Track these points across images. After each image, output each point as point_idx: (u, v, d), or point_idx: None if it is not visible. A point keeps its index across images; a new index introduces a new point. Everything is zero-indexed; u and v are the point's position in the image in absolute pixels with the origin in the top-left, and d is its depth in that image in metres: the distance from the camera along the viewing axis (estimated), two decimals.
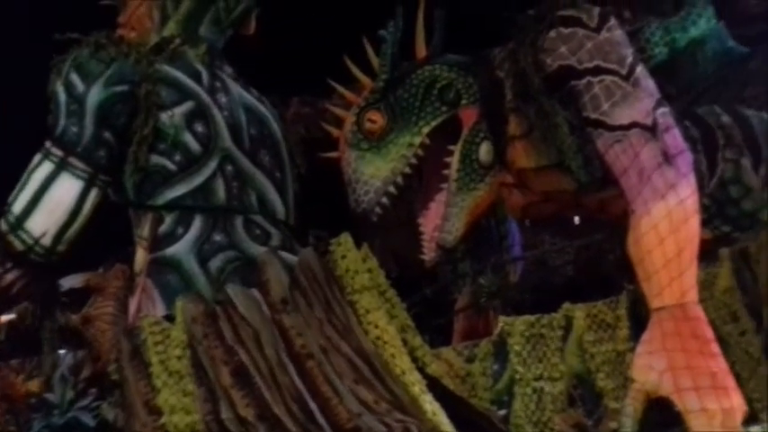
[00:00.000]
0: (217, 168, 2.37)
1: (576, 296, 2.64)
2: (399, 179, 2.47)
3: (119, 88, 2.39)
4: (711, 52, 3.40)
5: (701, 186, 2.38)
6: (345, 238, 2.27)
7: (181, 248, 2.31)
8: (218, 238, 2.32)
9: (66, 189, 2.34)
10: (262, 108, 2.58)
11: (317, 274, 2.19)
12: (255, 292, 2.16)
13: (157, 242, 2.35)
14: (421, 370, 2.21)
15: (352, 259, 2.24)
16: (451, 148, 2.51)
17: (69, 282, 2.77)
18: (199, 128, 2.39)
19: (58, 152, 2.35)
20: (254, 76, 2.72)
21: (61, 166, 2.34)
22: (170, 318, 2.16)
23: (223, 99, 2.46)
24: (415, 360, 2.22)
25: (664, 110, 2.34)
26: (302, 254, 2.26)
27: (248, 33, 2.72)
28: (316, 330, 2.09)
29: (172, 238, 2.34)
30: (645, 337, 2.21)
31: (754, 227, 2.59)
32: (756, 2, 4.07)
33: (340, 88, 2.61)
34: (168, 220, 2.36)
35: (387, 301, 2.27)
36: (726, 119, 2.69)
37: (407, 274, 2.76)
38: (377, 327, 2.16)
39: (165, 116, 2.39)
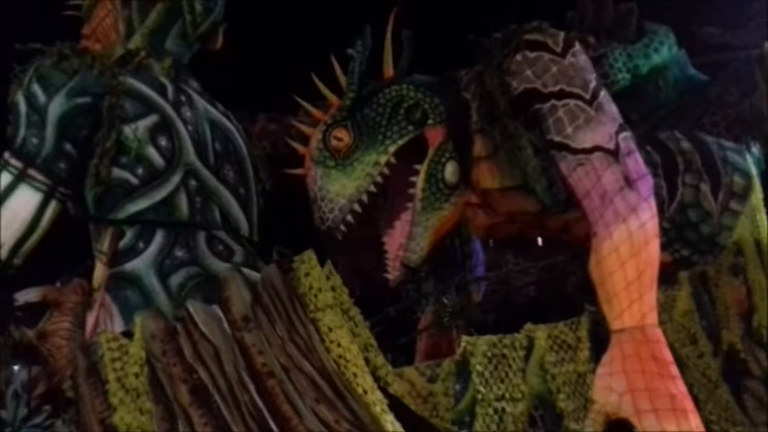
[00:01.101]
0: (180, 183, 2.35)
1: (539, 317, 2.65)
2: (364, 197, 2.47)
3: (81, 100, 2.35)
4: (673, 79, 3.48)
5: (662, 210, 2.43)
6: (309, 256, 2.26)
7: (141, 263, 2.28)
8: (179, 253, 2.29)
9: (25, 201, 2.30)
10: (227, 123, 2.57)
11: (280, 292, 2.16)
12: (217, 309, 2.14)
13: (117, 257, 2.31)
14: (383, 389, 2.20)
15: (316, 277, 2.22)
16: (417, 167, 2.51)
17: (25, 296, 2.70)
18: (163, 142, 2.37)
19: (17, 164, 2.31)
20: (221, 91, 2.71)
21: (20, 178, 2.30)
22: (128, 334, 2.12)
23: (188, 113, 2.44)
24: (377, 379, 2.20)
25: (626, 134, 2.37)
26: (265, 271, 2.24)
27: (215, 48, 2.71)
28: (277, 348, 2.07)
29: (132, 252, 2.30)
30: (605, 358, 2.23)
31: (712, 251, 2.63)
32: (715, 32, 4.19)
33: (307, 105, 2.60)
34: (129, 234, 2.33)
35: (350, 320, 2.25)
36: (686, 144, 2.74)
37: (371, 293, 2.75)
38: (339, 345, 2.14)
39: (128, 129, 2.36)
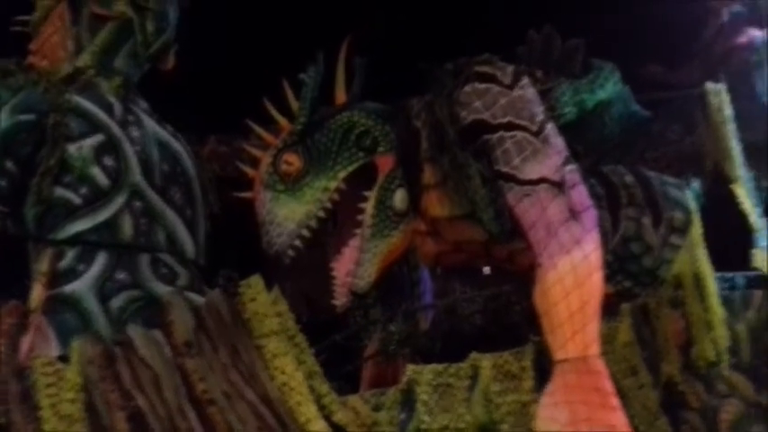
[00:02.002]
0: (125, 204, 2.31)
1: (485, 345, 2.67)
2: (313, 222, 2.46)
3: (25, 117, 2.30)
4: (617, 114, 3.58)
5: (605, 242, 2.47)
6: (256, 281, 2.23)
7: (81, 286, 2.22)
8: (121, 276, 2.24)
9: None
10: (176, 144, 2.54)
11: (224, 317, 2.14)
12: (158, 334, 2.09)
13: (56, 278, 2.25)
14: (327, 418, 2.18)
15: (262, 302, 2.20)
16: (367, 194, 2.52)
17: None
18: (108, 161, 2.32)
19: None
20: (171, 113, 2.68)
21: None
22: (64, 359, 2.06)
23: (135, 133, 2.41)
24: (321, 407, 2.18)
25: (571, 167, 2.42)
26: (209, 295, 2.21)
27: (166, 69, 2.68)
28: (220, 375, 2.03)
29: (72, 274, 2.25)
30: (548, 388, 2.25)
31: (653, 283, 2.69)
32: (658, 70, 4.34)
33: (258, 129, 2.59)
34: (69, 255, 2.27)
35: (295, 347, 2.23)
36: (629, 178, 2.81)
37: (318, 319, 2.73)
38: (284, 373, 2.12)
39: (72, 148, 2.31)
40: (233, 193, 2.58)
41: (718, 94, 2.96)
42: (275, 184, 2.48)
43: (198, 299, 2.23)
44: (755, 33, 4.21)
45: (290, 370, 2.12)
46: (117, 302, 2.21)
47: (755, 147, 3.74)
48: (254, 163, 2.55)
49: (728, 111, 2.96)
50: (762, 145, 3.90)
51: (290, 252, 2.44)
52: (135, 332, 2.09)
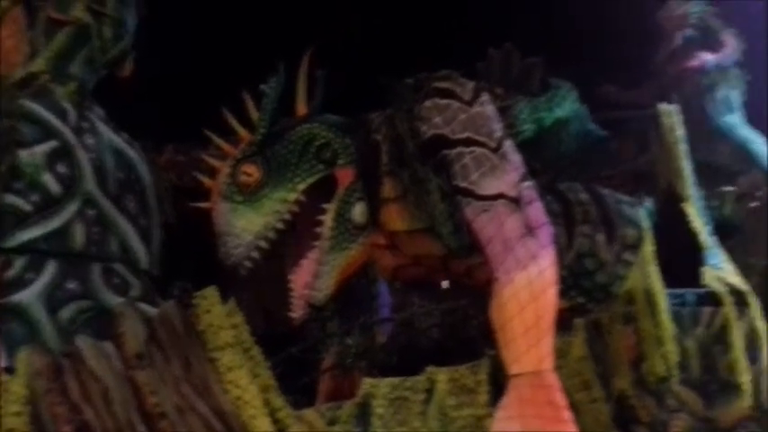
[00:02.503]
0: (77, 212, 2.26)
1: (442, 359, 2.67)
2: (271, 234, 2.45)
3: None
4: (574, 132, 3.64)
5: (560, 258, 2.50)
6: (211, 292, 2.21)
7: (29, 295, 2.17)
8: (71, 285, 2.19)
9: None
10: (131, 152, 2.50)
11: (178, 329, 2.10)
12: (108, 346, 2.05)
13: (3, 288, 2.19)
14: None
15: (217, 314, 2.17)
16: (326, 206, 2.51)
17: None
18: (61, 168, 2.28)
19: None
20: (128, 120, 2.64)
21: None
22: (10, 370, 2.00)
23: (90, 140, 2.37)
24: (276, 421, 2.16)
25: (528, 183, 2.46)
26: (163, 307, 2.18)
27: (124, 76, 2.65)
28: (171, 388, 2.00)
29: (20, 283, 2.19)
30: (503, 402, 2.26)
31: (606, 299, 2.73)
32: (614, 91, 4.45)
33: (216, 139, 2.57)
34: (18, 264, 2.21)
35: (250, 359, 2.21)
36: (584, 196, 2.86)
37: (275, 332, 2.70)
38: (238, 386, 2.09)
39: (24, 154, 2.26)
40: (190, 203, 2.55)
41: (671, 115, 3.03)
42: (233, 194, 2.46)
43: (151, 310, 2.19)
44: (707, 57, 4.34)
45: (245, 383, 2.09)
46: (66, 313, 2.16)
47: (706, 167, 3.85)
48: (212, 173, 2.52)
49: (681, 131, 3.03)
50: (713, 165, 4.02)
51: (248, 263, 2.41)
52: (84, 343, 2.05)
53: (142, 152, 2.56)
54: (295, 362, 3.04)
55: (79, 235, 2.26)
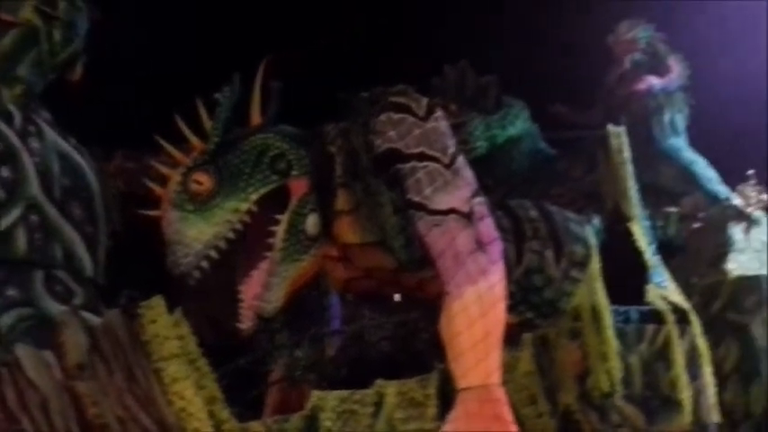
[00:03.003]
0: (20, 217, 2.21)
1: (391, 372, 2.67)
2: (222, 244, 2.42)
3: None
4: (525, 150, 3.71)
5: (509, 274, 2.54)
6: (157, 302, 2.17)
7: None
8: (11, 292, 2.13)
9: None
10: (78, 158, 2.45)
11: (121, 339, 2.06)
12: (48, 355, 1.99)
13: None
14: None
15: (163, 324, 2.14)
16: (278, 217, 2.50)
17: None
18: (4, 172, 2.22)
19: None
20: (77, 125, 2.59)
21: None
22: None
23: (35, 144, 2.31)
24: None
25: (480, 199, 2.49)
26: (107, 316, 2.13)
27: (73, 80, 2.60)
28: (113, 399, 1.95)
29: None
30: (450, 416, 2.27)
31: (553, 315, 2.78)
32: (565, 111, 4.54)
33: (168, 146, 2.54)
34: None
35: (196, 371, 2.17)
36: (534, 213, 2.91)
37: (222, 342, 2.67)
38: (182, 398, 2.05)
39: None
40: (138, 211, 2.50)
41: (619, 137, 3.10)
42: (184, 203, 2.42)
43: (94, 319, 2.14)
44: (653, 81, 4.47)
45: (190, 395, 2.06)
46: (6, 320, 2.10)
47: (652, 188, 3.95)
48: (163, 181, 2.48)
49: (627, 153, 3.10)
50: (658, 186, 4.13)
51: (196, 273, 2.38)
52: (23, 352, 1.99)
53: (90, 158, 2.51)
54: (242, 374, 3.00)
55: (21, 241, 2.20)
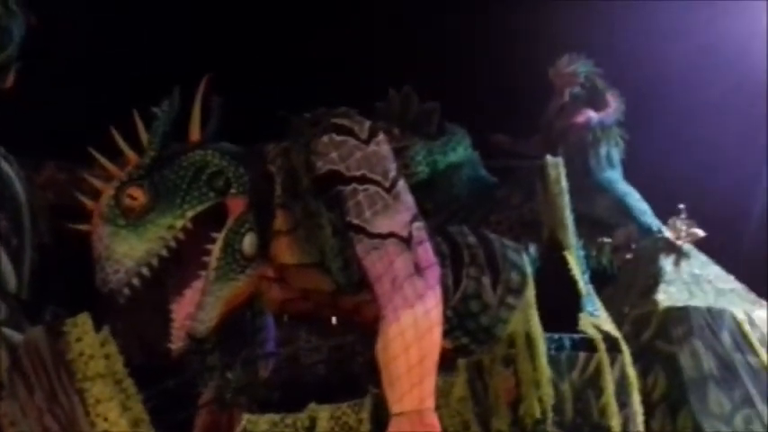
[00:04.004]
0: None
1: (325, 396, 2.64)
2: (155, 261, 2.36)
3: None
4: (466, 177, 3.75)
5: (446, 299, 2.55)
6: (83, 319, 2.10)
7: None
8: None
9: None
10: (6, 167, 2.36)
11: (44, 357, 1.98)
12: None
13: None
14: None
15: (89, 343, 2.07)
16: (215, 235, 2.45)
17: None
18: None
19: None
20: (7, 134, 2.50)
21: None
22: None
23: None
24: None
25: (419, 224, 2.50)
26: (30, 333, 2.05)
27: (6, 87, 2.51)
28: (33, 420, 1.87)
29: None
30: None
31: (488, 341, 2.79)
32: (505, 140, 4.63)
33: (102, 159, 2.47)
34: None
35: (122, 392, 2.11)
36: (472, 239, 2.93)
37: (151, 363, 2.60)
38: (106, 419, 1.99)
39: None
40: (68, 225, 2.42)
41: (556, 167, 3.16)
42: (116, 218, 2.36)
43: (16, 336, 2.06)
44: (591, 114, 4.59)
45: (114, 416, 1.99)
46: None
47: (587, 218, 4.04)
48: (95, 194, 2.41)
49: (564, 183, 3.16)
50: (592, 217, 4.22)
51: (126, 291, 2.31)
52: None
53: (19, 167, 2.42)
54: (171, 395, 2.92)
55: None
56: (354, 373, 2.94)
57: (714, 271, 3.83)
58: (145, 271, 2.34)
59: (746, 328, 3.46)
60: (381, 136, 2.56)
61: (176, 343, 2.40)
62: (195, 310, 2.40)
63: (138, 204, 2.37)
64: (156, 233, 2.36)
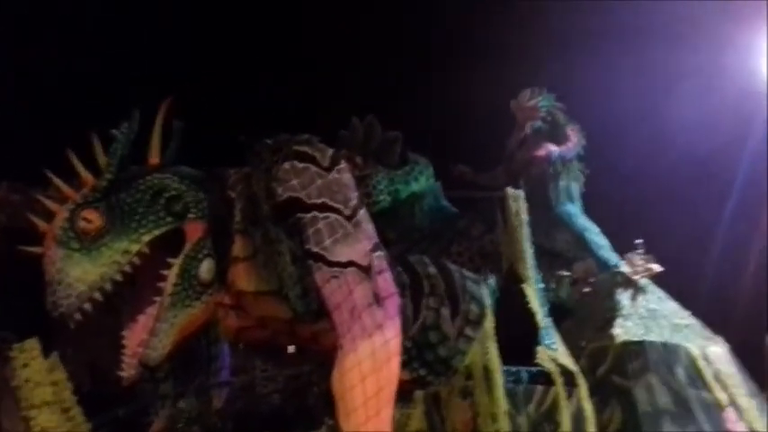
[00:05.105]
0: None
1: (281, 427, 2.59)
2: (108, 286, 2.31)
3: None
4: (427, 207, 3.76)
5: (405, 329, 2.53)
6: (32, 344, 2.04)
7: None
8: None
9: None
10: None
11: None
12: None
13: None
14: None
15: (36, 369, 2.01)
16: (171, 260, 2.41)
17: None
18: None
19: None
20: None
21: None
22: None
23: None
24: None
25: (379, 253, 2.49)
26: None
27: None
28: None
29: None
30: None
31: (446, 373, 2.78)
32: (467, 171, 4.66)
33: (57, 180, 2.42)
34: None
35: (69, 420, 2.05)
36: (432, 270, 2.93)
37: (102, 391, 2.53)
38: None
39: None
40: (18, 247, 2.36)
41: (517, 199, 3.19)
42: (70, 241, 2.31)
43: None
44: (552, 148, 4.65)
45: None
46: None
47: (546, 251, 4.07)
48: (49, 216, 2.36)
49: (525, 215, 3.19)
50: (552, 250, 4.26)
51: (78, 316, 2.25)
52: None
53: None
54: (122, 425, 2.84)
55: None
56: (310, 403, 2.90)
57: (670, 306, 3.88)
58: (97, 296, 2.29)
59: (701, 363, 3.50)
60: (343, 164, 2.56)
61: (128, 370, 2.34)
62: (148, 336, 2.35)
63: (93, 227, 2.32)
64: (111, 257, 2.31)
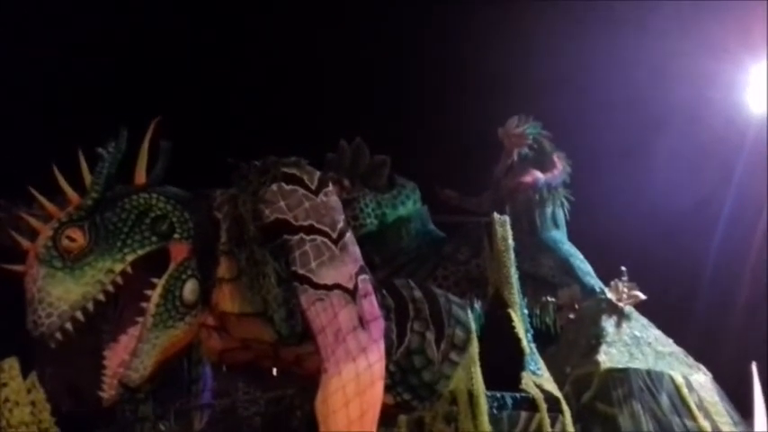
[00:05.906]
0: None
1: None
2: (90, 305, 2.28)
3: None
4: (414, 231, 3.76)
5: (390, 353, 2.52)
6: (11, 363, 2.01)
7: None
8: None
9: None
10: None
11: None
12: None
13: None
14: None
15: (15, 389, 1.98)
16: (155, 280, 2.39)
17: None
18: None
19: None
20: None
21: None
22: None
23: None
24: None
25: (365, 276, 2.48)
26: None
27: None
28: None
29: None
30: None
31: (430, 397, 2.76)
32: (454, 196, 4.68)
33: (41, 198, 2.40)
34: None
35: None
36: (418, 294, 2.92)
37: (81, 412, 2.49)
38: None
39: None
40: (1, 265, 2.33)
41: (503, 225, 3.20)
42: (53, 259, 2.28)
43: None
44: (538, 175, 4.68)
45: None
46: None
47: (531, 277, 4.07)
48: (32, 234, 2.34)
49: (511, 241, 3.20)
50: (537, 276, 4.26)
51: (59, 335, 2.23)
52: None
53: None
54: None
55: None
56: (293, 426, 2.87)
57: (654, 334, 3.89)
58: (79, 315, 2.26)
59: (685, 391, 3.51)
60: (331, 187, 2.56)
61: (108, 391, 2.31)
62: (130, 357, 2.32)
63: (76, 246, 2.30)
64: (94, 276, 2.29)
